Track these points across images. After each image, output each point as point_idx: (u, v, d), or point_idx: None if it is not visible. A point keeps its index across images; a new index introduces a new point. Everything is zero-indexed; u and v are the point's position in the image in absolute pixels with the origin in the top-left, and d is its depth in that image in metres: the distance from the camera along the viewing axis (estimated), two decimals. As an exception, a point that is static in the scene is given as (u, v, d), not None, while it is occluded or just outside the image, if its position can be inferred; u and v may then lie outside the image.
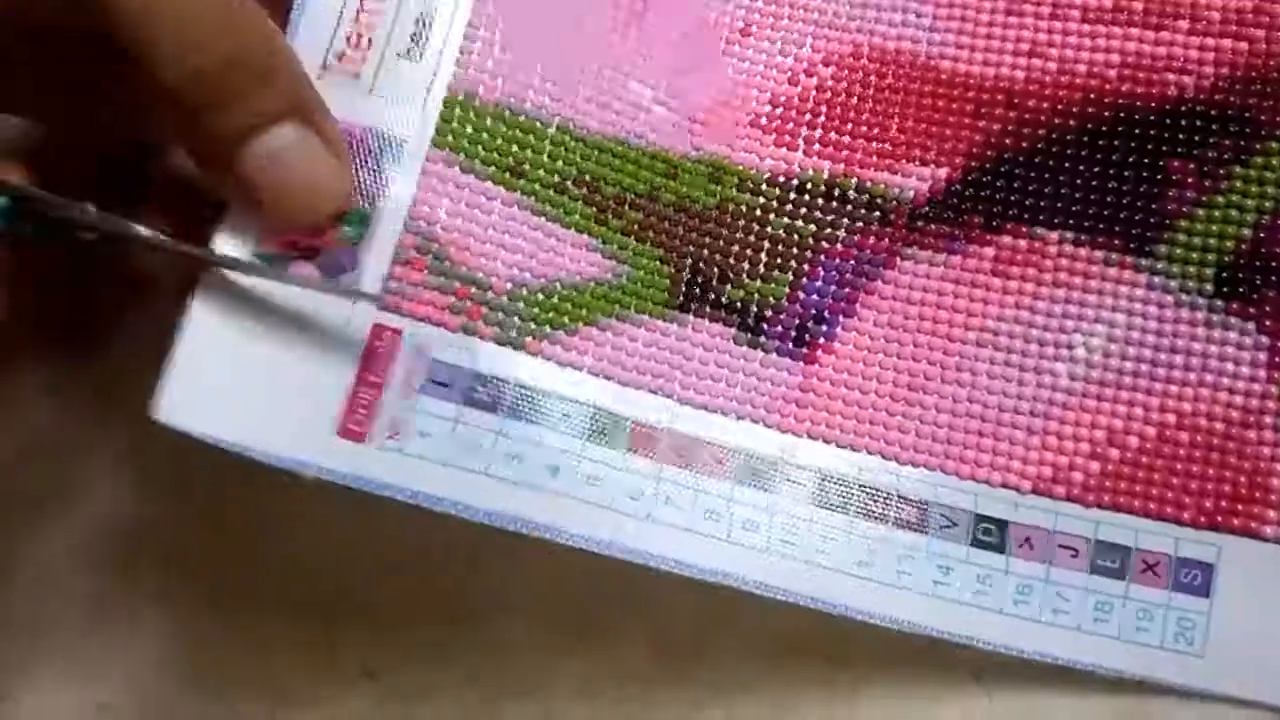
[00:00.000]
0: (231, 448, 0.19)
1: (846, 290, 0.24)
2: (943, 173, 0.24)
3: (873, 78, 0.24)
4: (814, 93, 0.24)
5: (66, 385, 0.25)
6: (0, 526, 0.24)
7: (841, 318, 0.23)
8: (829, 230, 0.24)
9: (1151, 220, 0.23)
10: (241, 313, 0.20)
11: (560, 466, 0.21)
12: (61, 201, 0.19)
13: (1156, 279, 0.23)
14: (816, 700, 0.23)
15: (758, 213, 0.24)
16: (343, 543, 0.24)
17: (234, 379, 0.20)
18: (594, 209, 0.23)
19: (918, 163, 0.24)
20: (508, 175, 0.22)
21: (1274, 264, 0.23)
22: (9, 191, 0.19)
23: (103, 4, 0.18)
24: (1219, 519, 0.22)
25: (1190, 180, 0.23)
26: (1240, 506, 0.22)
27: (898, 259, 0.24)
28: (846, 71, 0.25)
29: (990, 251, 0.23)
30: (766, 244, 0.24)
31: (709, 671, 0.23)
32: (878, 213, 0.24)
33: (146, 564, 0.24)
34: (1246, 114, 0.23)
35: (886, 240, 0.24)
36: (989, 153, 0.24)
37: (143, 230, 0.19)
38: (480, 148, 0.22)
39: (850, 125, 0.24)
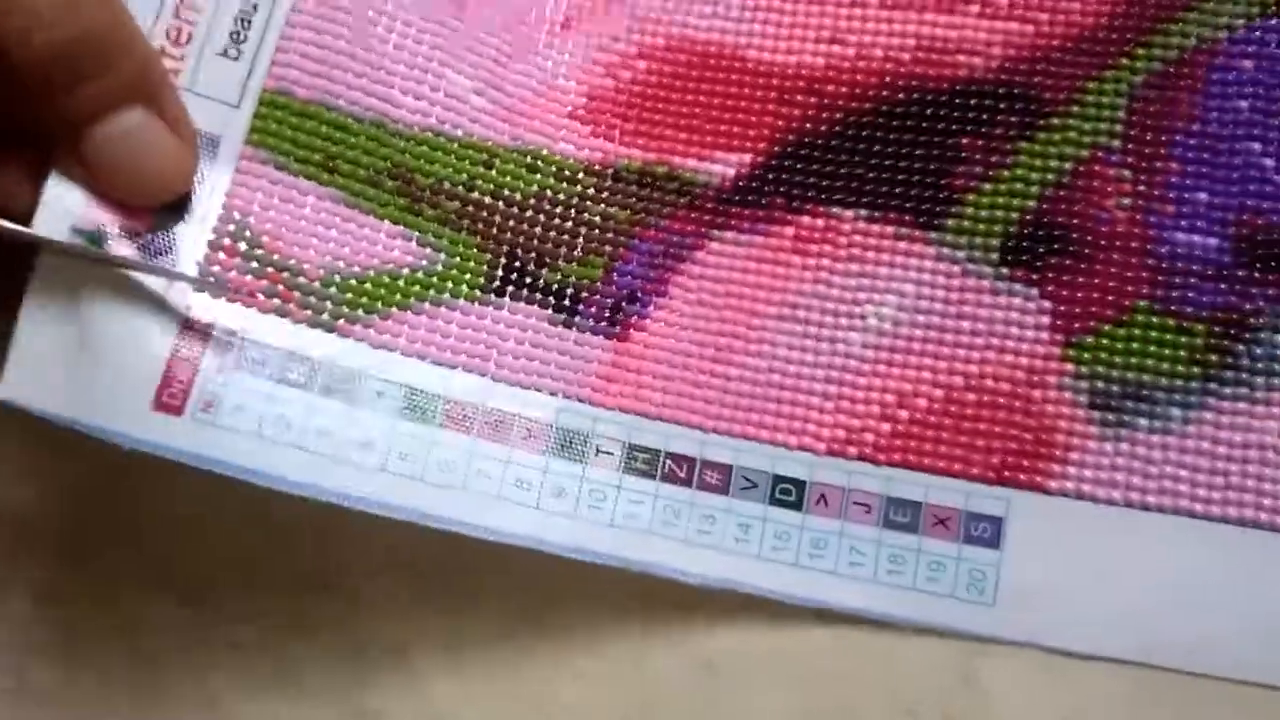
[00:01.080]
0: (63, 423, 0.21)
1: (658, 271, 0.25)
2: (748, 158, 0.25)
3: (684, 69, 0.26)
4: (629, 85, 0.26)
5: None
6: None
7: (654, 297, 0.25)
8: (642, 215, 0.25)
9: (941, 195, 0.24)
10: (72, 292, 0.21)
11: (373, 442, 0.22)
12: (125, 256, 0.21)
13: (945, 250, 0.24)
14: (674, 642, 0.24)
15: (574, 200, 0.25)
16: (205, 519, 0.25)
17: (65, 356, 0.21)
18: (408, 200, 0.24)
19: (725, 149, 0.25)
20: (321, 171, 0.23)
21: (1056, 233, 0.24)
22: None
23: None
24: (1006, 474, 0.23)
25: (978, 156, 0.24)
26: (1026, 462, 0.23)
27: (706, 240, 0.25)
28: (660, 64, 0.26)
29: (791, 231, 0.25)
30: (583, 230, 0.25)
31: (570, 621, 0.24)
32: (688, 198, 0.25)
33: (6, 546, 0.25)
34: (1031, 92, 0.25)
35: (696, 223, 0.25)
36: (790, 137, 0.25)
37: None
38: (294, 145, 0.23)
39: (663, 115, 0.26)
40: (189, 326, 0.22)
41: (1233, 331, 0.23)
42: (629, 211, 0.25)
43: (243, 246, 0.22)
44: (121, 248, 0.21)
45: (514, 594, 0.24)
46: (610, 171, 0.25)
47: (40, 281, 0.21)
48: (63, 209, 0.21)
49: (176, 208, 0.22)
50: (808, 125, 0.25)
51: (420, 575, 0.24)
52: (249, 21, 0.23)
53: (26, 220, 0.21)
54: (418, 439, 0.23)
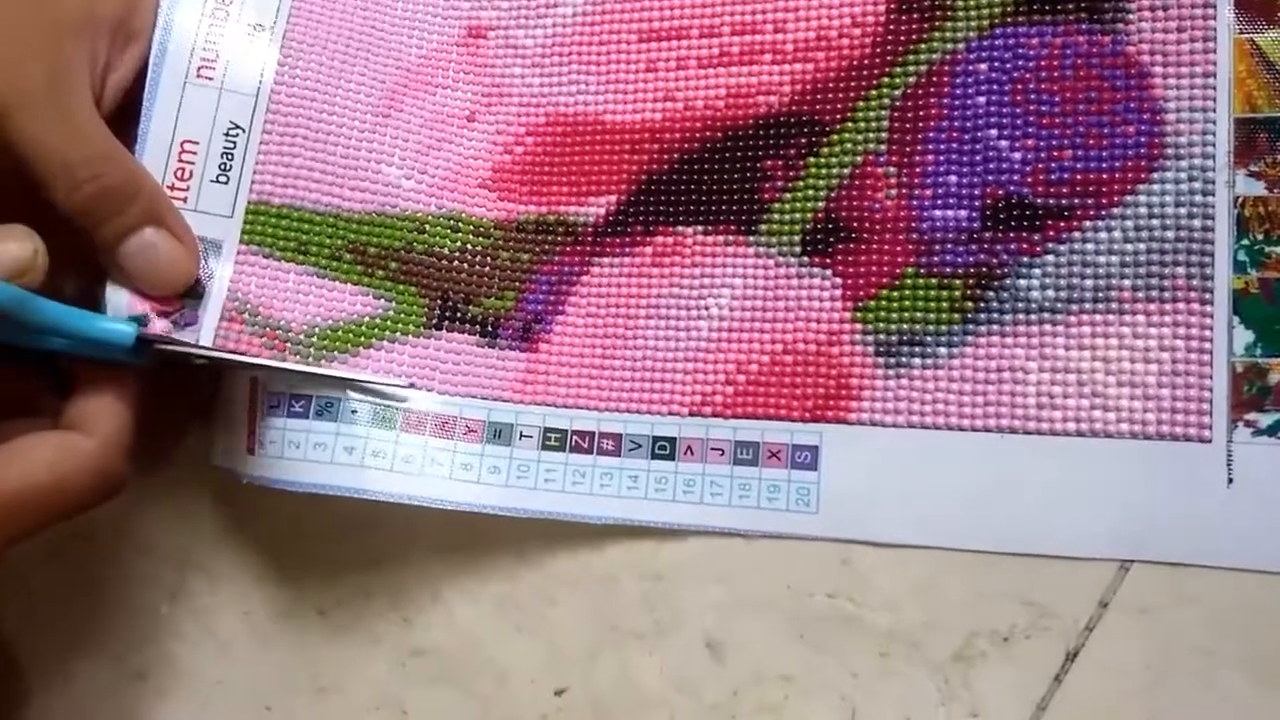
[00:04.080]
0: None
1: (556, 296, 0.33)
2: (613, 198, 0.33)
3: (561, 138, 0.34)
4: (523, 156, 0.34)
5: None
6: None
7: (555, 316, 0.33)
8: (541, 255, 0.33)
9: (755, 207, 0.32)
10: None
11: (354, 447, 0.31)
12: (175, 337, 0.29)
13: (761, 249, 0.31)
14: (630, 565, 0.31)
15: (489, 250, 0.33)
16: (301, 525, 0.33)
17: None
18: (363, 266, 0.32)
19: (596, 194, 0.33)
20: (296, 254, 0.32)
21: (841, 224, 0.31)
22: (136, 327, 0.28)
23: (16, 153, 0.27)
24: (818, 413, 0.30)
25: (779, 173, 0.32)
26: (832, 403, 0.30)
27: (590, 267, 0.33)
28: (543, 137, 0.34)
29: (649, 250, 0.32)
30: (498, 272, 0.33)
31: (556, 559, 0.32)
32: (573, 236, 0.33)
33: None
34: (815, 117, 0.32)
35: (580, 255, 0.33)
36: (642, 178, 0.33)
37: (221, 353, 0.30)
38: (275, 238, 0.32)
39: (549, 175, 0.33)
40: (252, 391, 0.31)
41: (984, 282, 0.30)
42: (530, 254, 0.33)
43: (245, 315, 0.31)
44: (158, 325, 0.30)
45: (511, 545, 0.32)
46: (514, 224, 0.33)
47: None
48: (120, 303, 0.29)
49: (195, 294, 0.31)
50: (653, 166, 0.33)
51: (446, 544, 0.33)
52: (232, 155, 0.32)
53: (71, 298, 0.29)
54: (386, 441, 0.31)
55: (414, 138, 0.33)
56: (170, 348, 0.29)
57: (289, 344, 0.31)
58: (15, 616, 0.34)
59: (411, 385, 0.32)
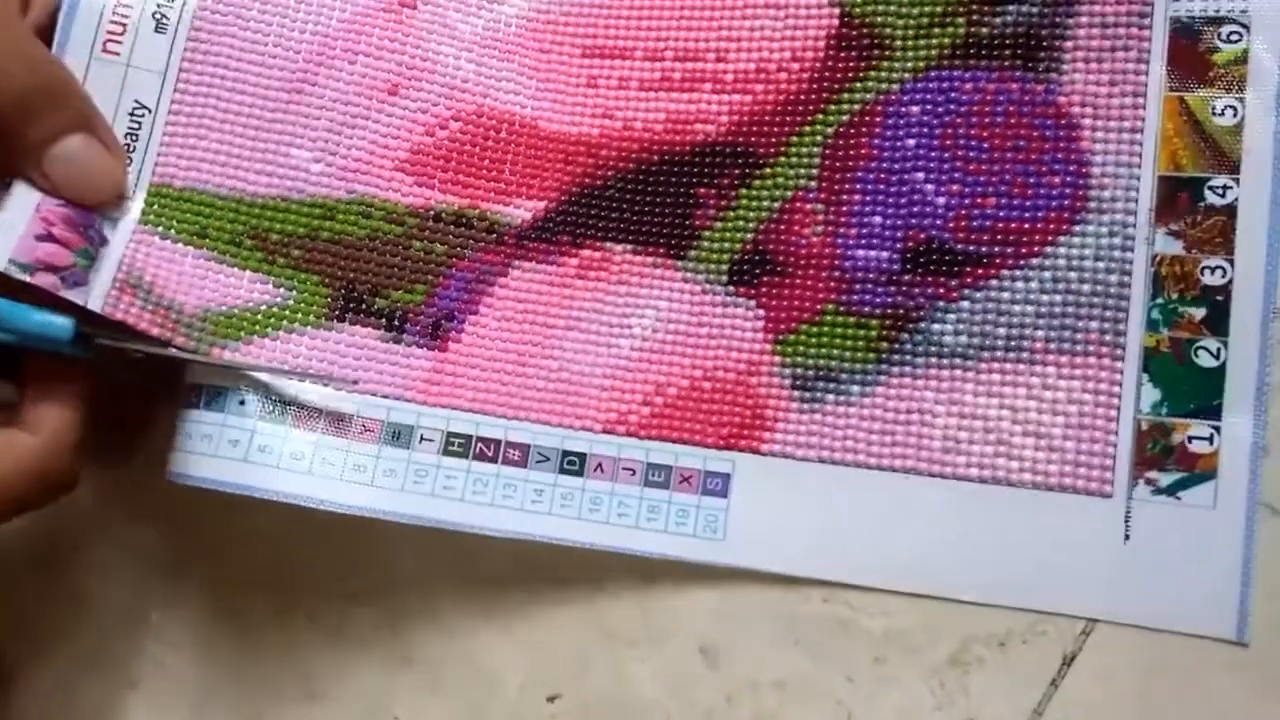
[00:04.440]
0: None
1: (471, 294, 0.32)
2: (542, 204, 0.32)
3: (490, 132, 0.32)
4: (446, 141, 0.32)
5: None
6: None
7: (467, 315, 0.31)
8: (458, 249, 0.32)
9: (685, 233, 0.31)
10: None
11: (240, 441, 0.29)
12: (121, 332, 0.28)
13: (689, 274, 0.31)
14: (618, 570, 0.30)
15: (401, 239, 0.31)
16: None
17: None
18: (264, 253, 0.30)
19: (524, 196, 0.32)
20: (195, 237, 0.30)
21: (768, 257, 0.31)
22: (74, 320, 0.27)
23: None
24: (732, 441, 0.30)
25: (711, 202, 0.32)
26: (746, 432, 0.30)
27: (509, 269, 0.32)
28: (470, 126, 0.32)
29: (575, 261, 0.32)
30: (409, 263, 0.31)
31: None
32: (494, 235, 0.32)
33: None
34: (750, 149, 0.32)
35: (501, 255, 0.32)
36: (574, 189, 0.32)
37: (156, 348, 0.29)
38: (174, 221, 0.30)
39: (473, 168, 0.32)
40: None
41: (899, 324, 0.30)
42: (446, 246, 0.32)
43: (138, 290, 0.29)
44: (44, 279, 0.27)
45: (502, 550, 0.30)
46: (431, 213, 0.32)
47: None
48: (4, 246, 0.27)
49: (88, 255, 0.28)
50: (587, 179, 0.32)
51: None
52: (136, 134, 0.30)
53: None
54: (275, 436, 0.29)
55: (326, 115, 0.31)
56: (109, 342, 0.28)
57: (179, 325, 0.29)
58: (4, 626, 0.33)
59: (306, 377, 0.30)
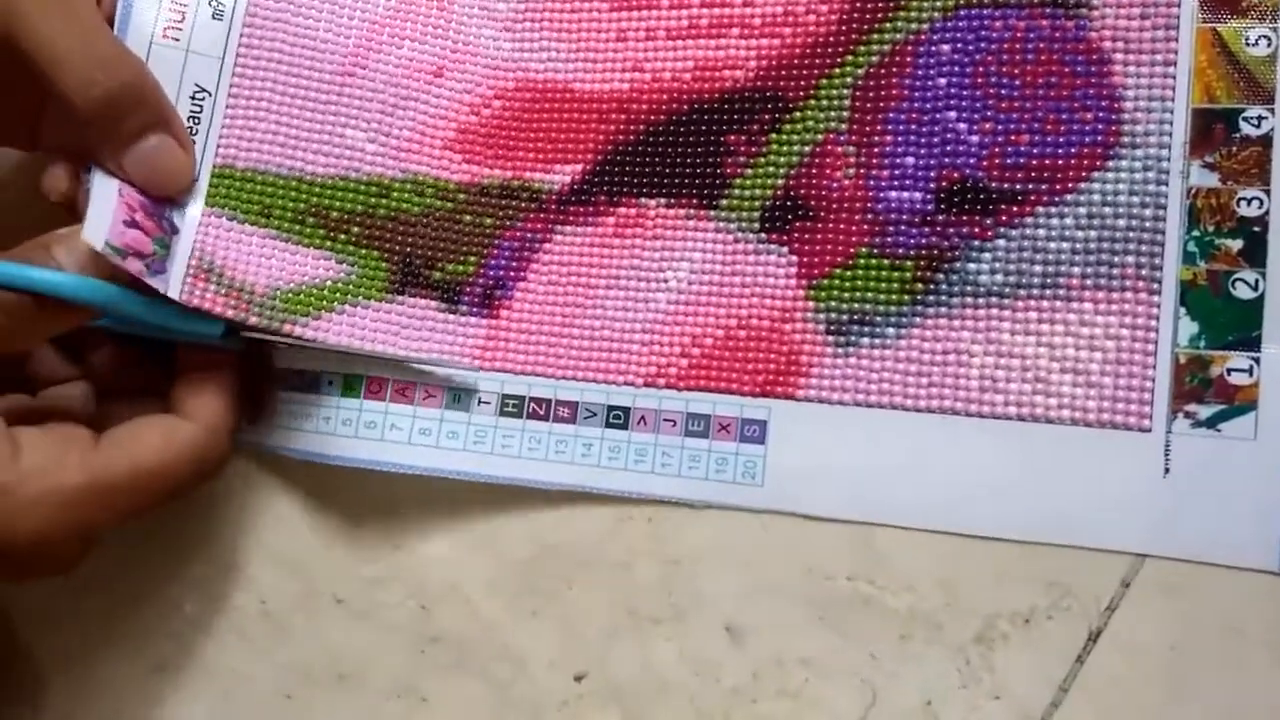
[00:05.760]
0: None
1: (519, 262, 0.33)
2: (579, 167, 0.33)
3: (529, 103, 0.34)
4: (489, 119, 0.34)
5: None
6: None
7: (516, 282, 0.33)
8: (505, 220, 0.33)
9: (717, 182, 0.32)
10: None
11: (330, 417, 0.32)
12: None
13: (721, 224, 0.32)
14: (647, 551, 0.31)
15: (452, 213, 0.33)
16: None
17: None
18: (325, 229, 0.33)
19: (561, 162, 0.33)
20: (259, 217, 0.32)
21: (799, 202, 0.31)
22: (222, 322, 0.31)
23: (28, 52, 0.27)
24: (768, 389, 0.31)
25: (741, 149, 0.32)
26: (782, 378, 0.31)
27: (552, 234, 0.33)
28: (510, 101, 0.34)
29: (612, 220, 0.33)
30: (461, 236, 0.33)
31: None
32: (536, 203, 0.33)
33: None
34: (779, 93, 0.32)
35: (544, 222, 0.33)
36: (608, 148, 0.33)
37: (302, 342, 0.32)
38: (239, 202, 0.32)
39: (515, 140, 0.34)
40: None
41: (934, 265, 0.30)
42: (494, 218, 0.33)
43: (211, 275, 0.32)
44: (132, 265, 0.29)
45: (528, 529, 0.32)
46: (479, 188, 0.33)
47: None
48: (100, 231, 0.29)
49: (164, 244, 0.31)
50: (619, 136, 0.33)
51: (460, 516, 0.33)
52: (199, 118, 0.32)
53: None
54: (352, 409, 0.32)
55: (378, 97, 0.33)
56: (255, 335, 0.31)
57: (252, 306, 0.32)
58: (36, 610, 0.35)
59: (479, 369, 0.33)
